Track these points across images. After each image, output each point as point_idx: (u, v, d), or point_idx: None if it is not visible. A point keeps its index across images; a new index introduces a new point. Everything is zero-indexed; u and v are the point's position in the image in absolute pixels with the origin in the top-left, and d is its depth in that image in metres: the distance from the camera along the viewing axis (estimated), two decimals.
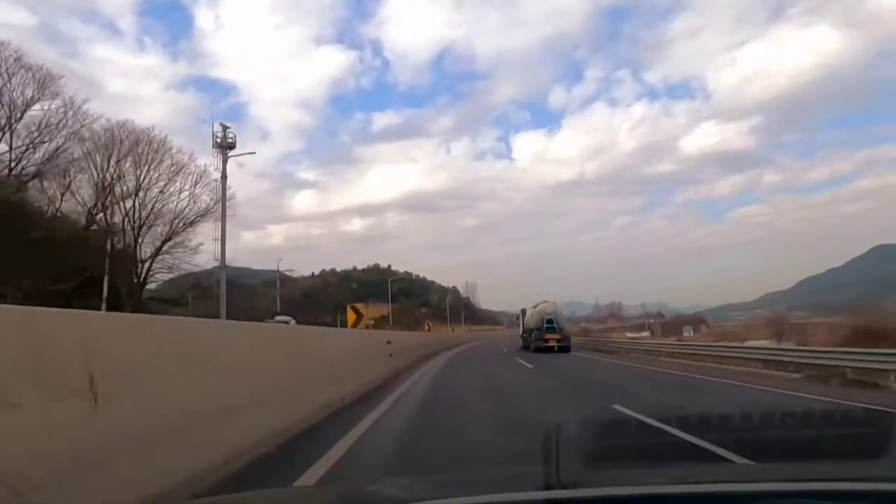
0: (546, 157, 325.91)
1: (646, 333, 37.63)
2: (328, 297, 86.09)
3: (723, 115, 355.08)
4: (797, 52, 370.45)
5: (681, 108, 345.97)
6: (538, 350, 28.07)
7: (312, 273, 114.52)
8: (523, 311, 36.49)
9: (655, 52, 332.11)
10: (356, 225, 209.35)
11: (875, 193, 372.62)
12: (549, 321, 29.52)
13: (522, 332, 35.77)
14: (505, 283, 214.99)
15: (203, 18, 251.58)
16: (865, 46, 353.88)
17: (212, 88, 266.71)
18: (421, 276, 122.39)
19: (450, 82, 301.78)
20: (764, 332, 41.16)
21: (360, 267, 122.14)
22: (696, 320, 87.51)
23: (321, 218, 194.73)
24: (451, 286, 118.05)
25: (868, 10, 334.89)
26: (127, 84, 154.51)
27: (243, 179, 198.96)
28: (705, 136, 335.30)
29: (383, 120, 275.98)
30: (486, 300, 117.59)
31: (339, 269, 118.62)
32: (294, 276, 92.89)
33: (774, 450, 4.21)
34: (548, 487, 1.31)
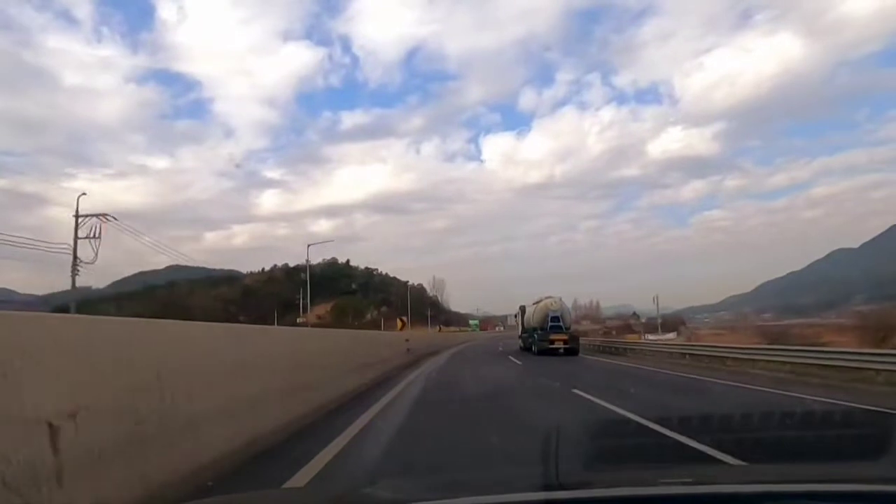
0: (515, 159, 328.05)
1: (671, 335, 35.06)
2: (268, 296, 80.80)
3: (688, 121, 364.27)
4: (761, 60, 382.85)
5: (648, 113, 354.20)
6: (542, 353, 25.65)
7: (262, 269, 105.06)
8: (522, 309, 33.79)
9: (625, 55, 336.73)
10: (323, 226, 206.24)
11: (830, 200, 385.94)
12: (555, 319, 26.87)
13: (522, 332, 33.13)
14: (474, 285, 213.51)
15: (165, 9, 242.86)
16: (825, 56, 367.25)
17: (174, 83, 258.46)
18: (383, 272, 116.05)
19: (420, 82, 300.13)
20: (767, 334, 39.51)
21: (314, 262, 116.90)
22: (676, 321, 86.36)
23: (287, 218, 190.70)
24: (417, 283, 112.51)
25: (829, 19, 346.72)
26: (83, 76, 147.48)
27: (205, 178, 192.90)
28: (671, 142, 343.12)
29: (352, 119, 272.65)
30: (456, 302, 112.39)
31: (292, 264, 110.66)
32: (242, 272, 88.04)
33: None
34: (547, 488, 1.31)
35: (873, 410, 7.76)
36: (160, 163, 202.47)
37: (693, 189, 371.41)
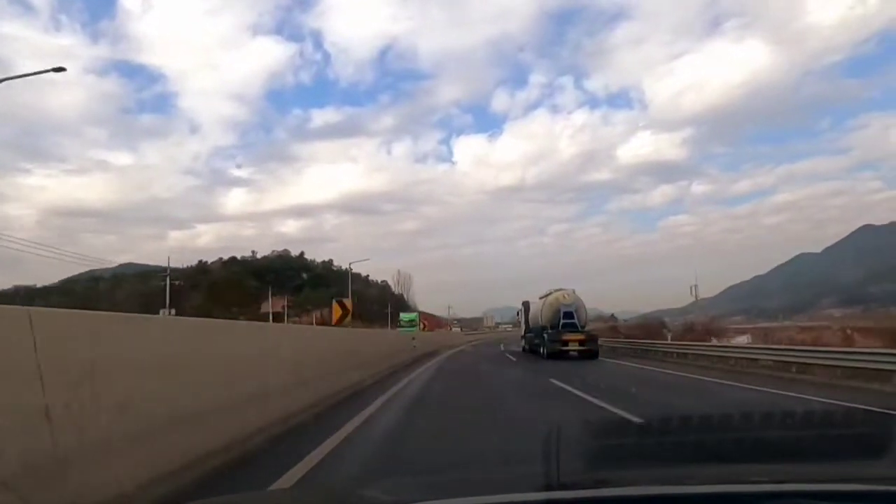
0: (487, 161, 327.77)
1: (744, 338, 30.50)
2: (208, 289, 73.78)
3: (658, 126, 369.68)
4: (730, 67, 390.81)
5: (619, 118, 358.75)
6: (552, 356, 21.63)
7: (202, 262, 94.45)
8: (526, 306, 29.52)
9: (598, 59, 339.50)
10: (291, 226, 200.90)
11: (793, 206, 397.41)
12: (568, 315, 22.51)
13: (526, 332, 28.83)
14: (445, 288, 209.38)
15: None
16: (791, 65, 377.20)
17: (137, 75, 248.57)
18: (343, 266, 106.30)
19: (392, 80, 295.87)
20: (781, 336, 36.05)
21: (263, 254, 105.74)
22: (657, 324, 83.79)
23: (254, 218, 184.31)
24: (381, 281, 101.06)
25: (795, 28, 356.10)
26: (40, 66, 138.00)
27: (170, 175, 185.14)
28: (641, 146, 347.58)
29: (322, 117, 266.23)
30: (426, 302, 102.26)
31: (239, 256, 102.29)
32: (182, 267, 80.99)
33: None
34: (547, 488, 1.31)
35: None
36: (122, 159, 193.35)
37: (661, 194, 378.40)
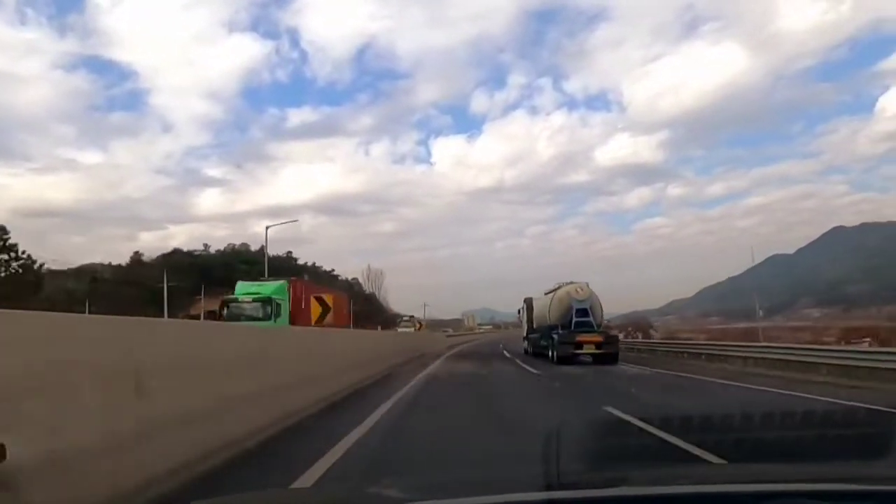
0: (466, 162, 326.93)
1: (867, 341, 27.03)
2: (136, 287, 65.80)
3: (636, 128, 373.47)
4: (706, 71, 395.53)
5: (597, 120, 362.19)
6: (563, 360, 18.73)
7: (137, 254, 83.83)
8: (528, 303, 26.63)
9: (577, 60, 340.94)
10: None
11: (765, 209, 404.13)
12: (582, 313, 19.40)
13: (529, 333, 25.92)
14: (422, 290, 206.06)
15: None
16: (765, 69, 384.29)
17: (107, 71, 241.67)
18: (310, 262, 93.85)
19: (370, 80, 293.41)
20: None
21: (217, 247, 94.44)
22: (644, 324, 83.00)
23: (228, 219, 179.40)
24: (351, 278, 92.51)
25: (769, 32, 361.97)
26: (5, 60, 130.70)
27: (141, 175, 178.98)
28: (618, 148, 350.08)
29: (299, 116, 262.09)
30: (402, 304, 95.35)
31: (186, 249, 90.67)
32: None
33: None
34: (548, 488, 1.32)
35: None
36: (91, 157, 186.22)
37: (637, 196, 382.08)
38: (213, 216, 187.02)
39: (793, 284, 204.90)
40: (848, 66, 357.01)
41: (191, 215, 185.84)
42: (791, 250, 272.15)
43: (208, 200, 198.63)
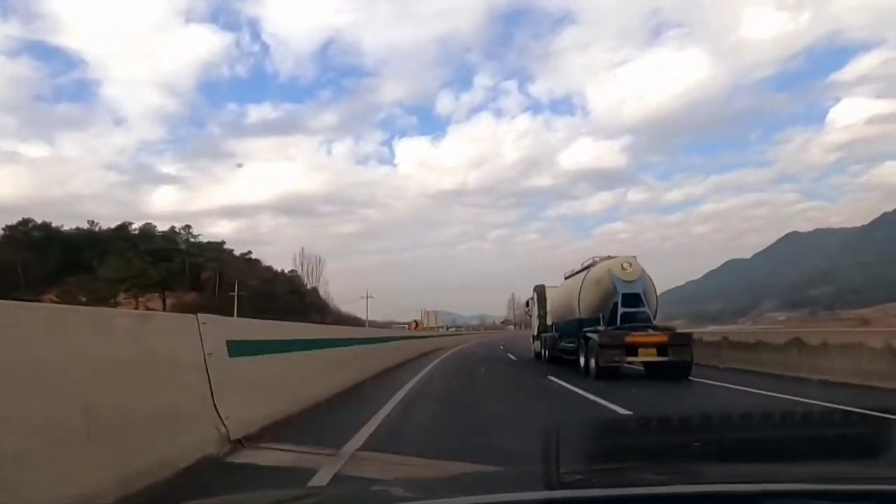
0: (430, 164, 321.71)
1: None
2: None
3: (599, 133, 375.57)
4: (669, 77, 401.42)
5: (562, 124, 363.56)
6: (605, 373, 12.40)
7: None
8: (540, 291, 20.43)
9: (543, 63, 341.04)
10: (224, 227, 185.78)
11: (720, 215, 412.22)
12: (632, 300, 13.54)
13: (542, 331, 19.69)
14: (383, 292, 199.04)
15: None
16: (726, 77, 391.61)
17: (53, 59, 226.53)
18: (204, 238, 78.26)
19: (334, 76, 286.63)
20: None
21: (106, 225, 78.11)
22: None
23: (183, 218, 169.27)
24: (289, 270, 77.87)
25: (730, 42, 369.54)
26: None
27: (90, 170, 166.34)
28: (582, 153, 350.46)
29: (259, 113, 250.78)
30: (355, 307, 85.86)
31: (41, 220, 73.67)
32: None
33: None
34: (548, 487, 1.29)
35: None
36: (36, 150, 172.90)
37: (599, 201, 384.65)
38: (167, 215, 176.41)
39: (751, 288, 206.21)
40: (803, 77, 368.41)
41: (143, 213, 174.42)
42: (748, 255, 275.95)
43: (162, 198, 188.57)
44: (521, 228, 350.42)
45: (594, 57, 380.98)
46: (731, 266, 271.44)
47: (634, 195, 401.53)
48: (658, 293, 14.84)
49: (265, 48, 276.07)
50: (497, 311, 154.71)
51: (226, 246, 77.00)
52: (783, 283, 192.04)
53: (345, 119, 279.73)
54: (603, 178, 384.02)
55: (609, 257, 14.89)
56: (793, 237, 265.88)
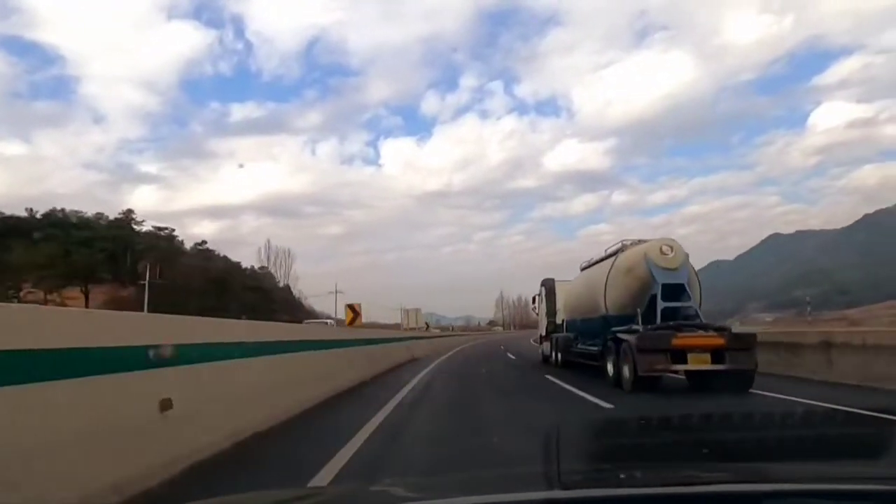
0: (415, 165, 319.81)
1: None
2: None
3: (584, 135, 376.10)
4: (655, 79, 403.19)
5: (547, 125, 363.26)
6: (643, 383, 9.79)
7: None
8: (548, 285, 18.11)
9: (529, 64, 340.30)
10: (207, 228, 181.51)
11: (703, 218, 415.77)
12: (674, 291, 11.05)
13: (553, 331, 17.04)
14: (368, 294, 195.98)
15: None
16: (710, 81, 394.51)
17: (29, 54, 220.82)
18: (166, 228, 68.33)
19: (319, 75, 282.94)
20: None
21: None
22: None
23: (164, 218, 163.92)
24: (259, 267, 70.63)
25: (715, 44, 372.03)
26: None
27: (68, 169, 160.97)
28: (567, 154, 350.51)
29: (243, 112, 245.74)
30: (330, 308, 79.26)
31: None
32: None
33: None
34: (549, 488, 1.30)
35: None
36: (12, 148, 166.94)
37: (583, 202, 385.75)
38: (147, 215, 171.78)
39: (736, 289, 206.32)
40: (785, 80, 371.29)
41: (123, 213, 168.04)
42: (731, 257, 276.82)
43: (143, 198, 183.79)
44: (505, 230, 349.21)
45: (580, 58, 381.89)
46: (716, 267, 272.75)
47: (619, 197, 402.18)
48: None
49: (249, 46, 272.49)
50: (482, 312, 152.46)
51: (207, 244, 69.69)
52: (768, 284, 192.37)
53: (330, 119, 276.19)
54: (588, 180, 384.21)
55: (640, 241, 12.22)
56: (775, 239, 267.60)
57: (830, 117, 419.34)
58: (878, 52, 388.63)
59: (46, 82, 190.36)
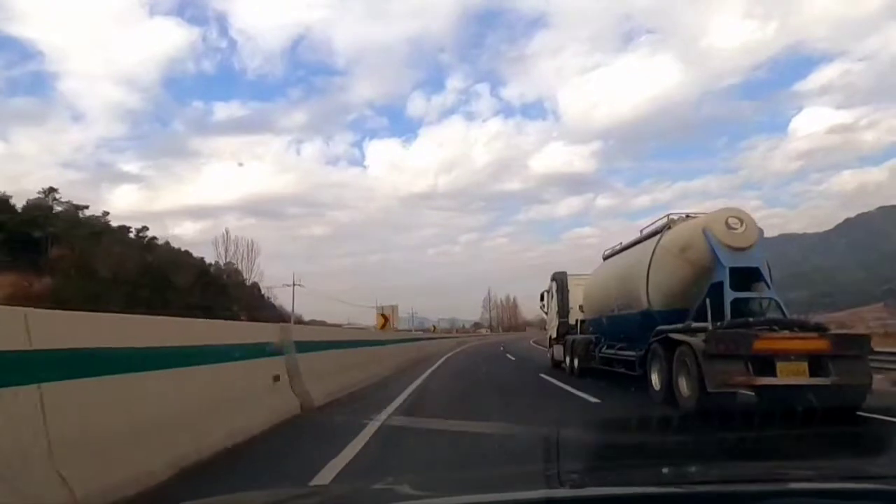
0: (400, 166, 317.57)
1: None
2: None
3: (570, 138, 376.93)
4: (640, 83, 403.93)
5: (533, 128, 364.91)
6: (711, 404, 6.80)
7: None
8: (560, 280, 15.79)
9: (515, 66, 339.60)
10: (189, 228, 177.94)
11: None
12: (747, 276, 8.18)
13: (566, 331, 14.52)
14: (351, 295, 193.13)
15: None
16: (694, 85, 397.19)
17: (6, 49, 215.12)
18: (85, 206, 57.04)
19: (304, 74, 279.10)
20: None
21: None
22: None
23: (145, 218, 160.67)
24: (212, 264, 61.63)
25: (700, 49, 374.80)
26: None
27: (46, 168, 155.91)
28: (553, 157, 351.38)
29: (226, 110, 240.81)
30: (317, 311, 72.90)
31: None
32: None
33: None
34: (549, 486, 1.30)
35: None
36: None
37: (568, 205, 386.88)
38: (128, 215, 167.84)
39: None
40: (768, 85, 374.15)
41: (103, 213, 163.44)
42: None
43: (123, 198, 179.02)
44: (490, 232, 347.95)
45: (566, 61, 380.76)
46: None
47: (603, 200, 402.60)
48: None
49: (233, 44, 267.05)
50: (466, 314, 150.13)
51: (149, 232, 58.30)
52: None
53: (315, 119, 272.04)
54: (573, 183, 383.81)
55: (689, 216, 9.49)
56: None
57: (811, 123, 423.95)
58: (858, 59, 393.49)
59: (24, 78, 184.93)
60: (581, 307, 13.93)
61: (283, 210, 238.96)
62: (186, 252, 59.07)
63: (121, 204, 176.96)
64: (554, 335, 15.46)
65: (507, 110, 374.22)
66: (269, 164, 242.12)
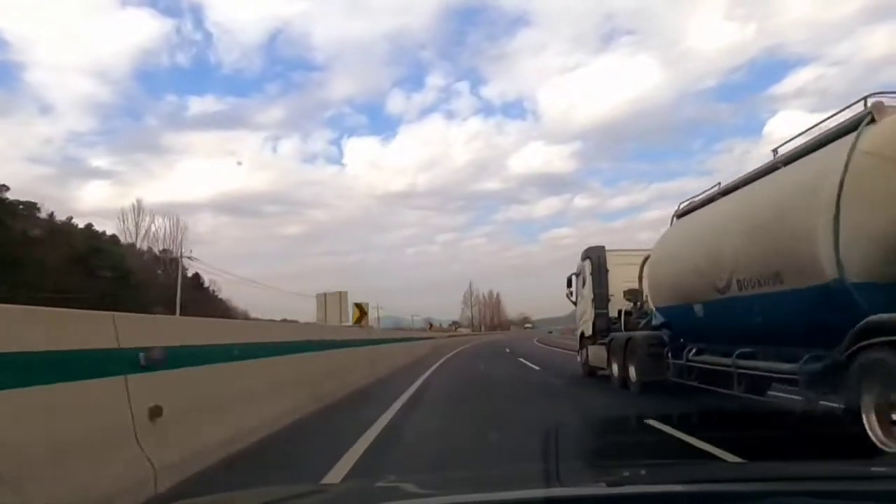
0: (379, 165, 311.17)
1: None
2: None
3: (550, 138, 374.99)
4: (621, 83, 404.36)
5: (513, 127, 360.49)
6: None
7: None
8: (595, 259, 11.56)
9: (496, 64, 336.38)
10: (161, 225, 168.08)
11: (663, 222, 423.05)
12: None
13: (605, 328, 10.88)
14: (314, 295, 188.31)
15: None
16: (673, 86, 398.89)
17: None
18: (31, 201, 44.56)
19: (282, 69, 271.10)
20: None
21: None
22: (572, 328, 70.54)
23: (116, 215, 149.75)
24: (153, 255, 52.11)
25: (680, 50, 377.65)
26: None
27: (11, 162, 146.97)
28: (532, 157, 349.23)
29: (201, 105, 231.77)
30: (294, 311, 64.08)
31: None
32: None
33: None
34: (548, 485, 1.27)
35: None
36: None
37: (547, 206, 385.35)
38: (97, 211, 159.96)
39: None
40: (745, 88, 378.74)
41: (71, 210, 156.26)
42: None
43: (93, 194, 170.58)
44: (468, 232, 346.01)
45: (547, 60, 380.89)
46: None
47: (581, 201, 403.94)
48: None
49: (209, 37, 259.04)
50: (444, 314, 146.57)
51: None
52: None
53: (292, 115, 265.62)
54: (551, 183, 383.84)
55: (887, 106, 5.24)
56: None
57: (785, 126, 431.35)
58: (831, 63, 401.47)
59: None
60: (627, 293, 10.71)
61: (259, 208, 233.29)
62: (90, 230, 46.49)
63: (90, 199, 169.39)
64: (588, 332, 11.85)
65: (487, 109, 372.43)
66: (245, 160, 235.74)
